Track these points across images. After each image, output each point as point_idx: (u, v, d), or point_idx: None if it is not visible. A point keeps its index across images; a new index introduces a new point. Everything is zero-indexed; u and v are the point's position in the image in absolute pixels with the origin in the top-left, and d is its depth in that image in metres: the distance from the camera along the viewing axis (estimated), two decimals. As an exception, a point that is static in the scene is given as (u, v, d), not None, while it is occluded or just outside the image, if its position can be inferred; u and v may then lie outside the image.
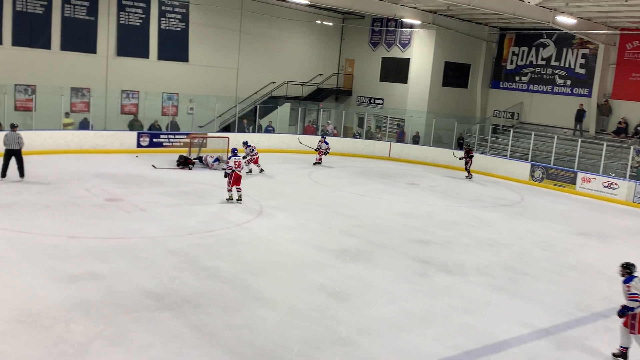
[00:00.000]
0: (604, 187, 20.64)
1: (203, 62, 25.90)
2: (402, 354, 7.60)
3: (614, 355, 7.95)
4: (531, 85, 27.51)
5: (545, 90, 26.99)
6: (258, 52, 27.71)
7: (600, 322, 9.23)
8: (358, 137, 28.24)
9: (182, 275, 9.61)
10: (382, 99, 29.31)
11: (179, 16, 25.00)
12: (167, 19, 24.72)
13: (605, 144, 21.80)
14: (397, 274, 10.72)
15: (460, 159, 22.83)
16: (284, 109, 27.90)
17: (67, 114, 21.77)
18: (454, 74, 28.51)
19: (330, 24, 29.91)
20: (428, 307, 9.19)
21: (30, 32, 21.40)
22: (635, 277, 7.86)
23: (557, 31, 24.82)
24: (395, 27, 28.39)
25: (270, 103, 27.50)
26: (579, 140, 22.83)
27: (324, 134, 25.95)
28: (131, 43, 23.91)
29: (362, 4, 23.47)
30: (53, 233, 11.31)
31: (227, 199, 15.06)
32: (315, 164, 22.76)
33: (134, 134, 22.24)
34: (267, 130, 26.13)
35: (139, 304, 8.30)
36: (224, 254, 10.92)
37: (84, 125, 22.05)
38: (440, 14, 26.08)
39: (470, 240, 13.48)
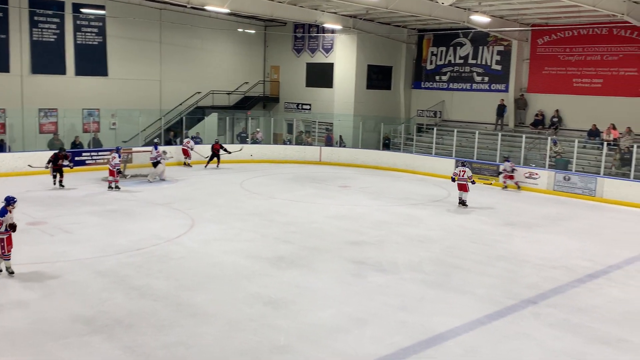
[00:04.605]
0: (526, 177, 21.48)
1: (123, 75, 25.27)
2: (341, 357, 7.63)
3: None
4: (451, 84, 28.33)
5: (464, 88, 27.84)
6: (181, 62, 27.30)
7: (529, 309, 9.56)
8: (288, 143, 28.28)
9: (112, 296, 9.32)
10: (310, 104, 29.46)
11: (95, 30, 24.30)
12: (83, 34, 23.99)
13: (524, 136, 22.74)
14: (333, 277, 10.79)
15: None
16: (212, 119, 27.62)
17: (-19, 137, 20.79)
18: (377, 77, 29.00)
19: (253, 31, 29.82)
20: (364, 307, 9.28)
21: None
22: None
23: (472, 30, 25.69)
24: (317, 33, 28.62)
25: (197, 114, 27.16)
26: (500, 134, 23.70)
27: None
28: (46, 60, 23.07)
29: (282, 11, 23.52)
30: (-29, 263, 10.73)
31: None
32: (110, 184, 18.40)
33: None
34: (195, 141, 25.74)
35: (68, 330, 7.99)
36: (156, 271, 10.67)
37: (1, 147, 21.08)
38: (360, 18, 26.48)
39: (403, 238, 13.73)
